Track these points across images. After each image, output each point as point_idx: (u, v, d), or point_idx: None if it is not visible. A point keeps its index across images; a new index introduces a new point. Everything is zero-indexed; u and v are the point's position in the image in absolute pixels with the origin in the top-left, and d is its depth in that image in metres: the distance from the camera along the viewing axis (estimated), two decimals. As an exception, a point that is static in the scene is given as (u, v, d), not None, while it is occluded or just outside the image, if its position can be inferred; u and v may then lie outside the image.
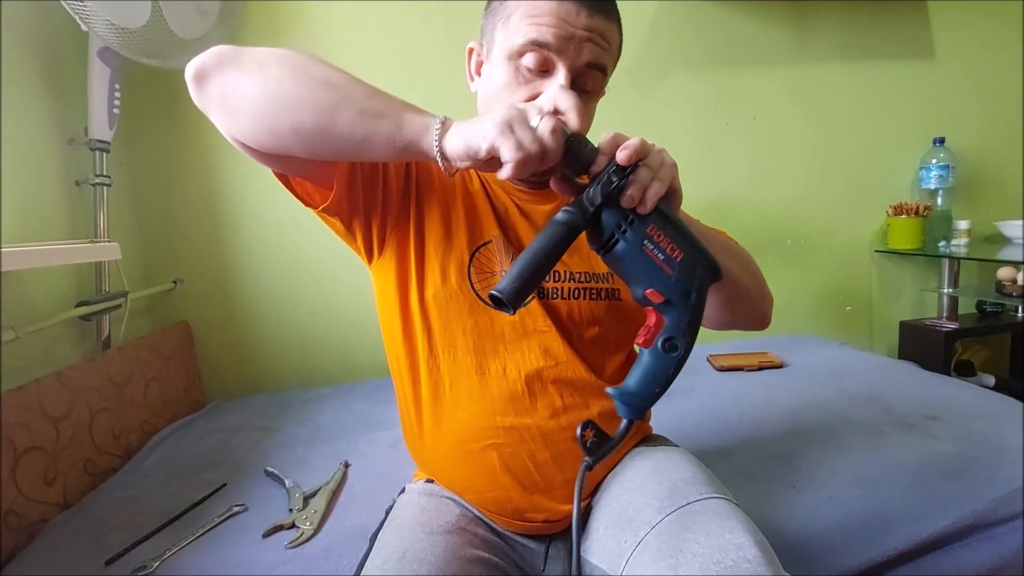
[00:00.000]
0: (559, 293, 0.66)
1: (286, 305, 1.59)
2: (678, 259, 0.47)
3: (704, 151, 1.79)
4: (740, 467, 0.93)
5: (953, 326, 1.78)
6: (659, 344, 0.48)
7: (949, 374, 1.73)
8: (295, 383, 1.59)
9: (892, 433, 1.02)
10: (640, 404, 0.49)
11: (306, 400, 1.42)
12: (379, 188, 0.61)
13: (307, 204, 0.59)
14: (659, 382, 0.49)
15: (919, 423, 1.05)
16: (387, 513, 0.73)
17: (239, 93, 0.49)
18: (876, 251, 1.92)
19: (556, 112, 0.49)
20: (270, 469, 1.01)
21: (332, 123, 0.47)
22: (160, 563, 0.76)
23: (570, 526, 0.67)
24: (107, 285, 1.24)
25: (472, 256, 0.65)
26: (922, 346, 1.80)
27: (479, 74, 0.66)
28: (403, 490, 0.75)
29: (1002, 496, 0.84)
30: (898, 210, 1.81)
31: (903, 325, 1.90)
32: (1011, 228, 1.83)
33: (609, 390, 0.50)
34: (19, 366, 0.99)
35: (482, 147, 0.45)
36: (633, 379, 0.50)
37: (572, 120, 0.48)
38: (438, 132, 0.47)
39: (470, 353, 0.64)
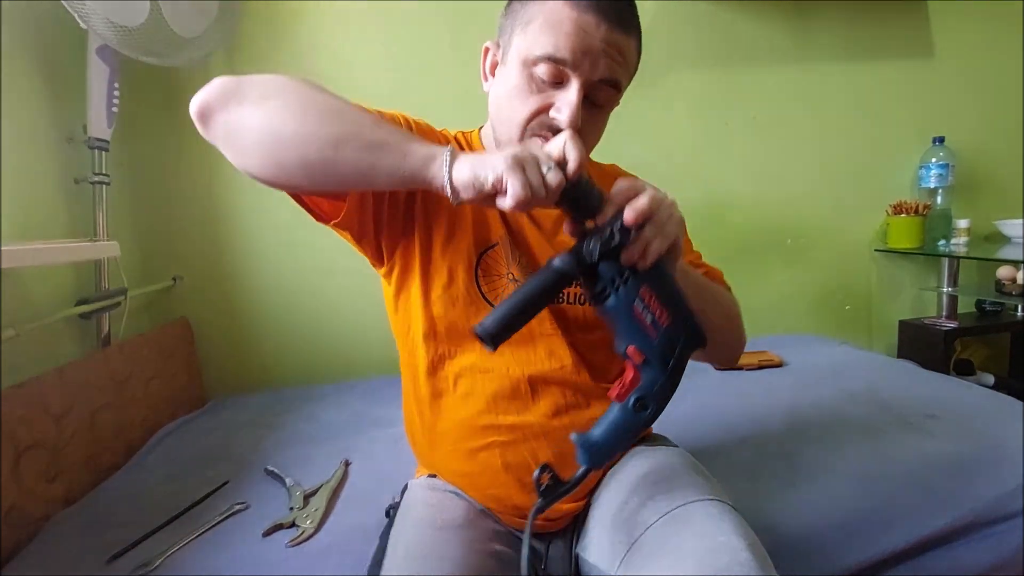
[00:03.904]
0: (566, 297, 0.66)
1: (286, 302, 1.59)
2: (664, 324, 0.47)
3: (703, 150, 1.78)
4: (740, 466, 0.93)
5: (952, 325, 1.78)
6: (631, 402, 0.49)
7: (948, 373, 1.73)
8: (296, 380, 1.58)
9: (891, 432, 1.02)
10: (600, 456, 0.50)
11: (307, 397, 1.42)
12: (386, 202, 0.62)
13: (318, 219, 0.60)
14: (624, 439, 0.50)
15: (918, 422, 1.05)
16: (388, 511, 0.73)
17: (244, 130, 0.50)
18: (876, 250, 1.92)
19: (563, 161, 0.47)
20: (270, 468, 1.01)
21: (336, 157, 0.48)
22: (162, 561, 0.76)
23: (569, 525, 0.68)
24: (106, 283, 1.24)
25: (479, 258, 0.65)
26: (921, 345, 1.80)
27: (493, 75, 0.65)
28: (406, 487, 0.75)
29: (1001, 494, 0.84)
30: (898, 209, 1.81)
31: (902, 324, 1.90)
32: (1010, 227, 1.83)
33: (573, 437, 0.50)
34: (19, 363, 0.99)
35: (489, 178, 0.45)
36: (599, 430, 0.50)
37: (571, 169, 0.47)
38: (448, 159, 0.47)
39: (475, 353, 0.65)
